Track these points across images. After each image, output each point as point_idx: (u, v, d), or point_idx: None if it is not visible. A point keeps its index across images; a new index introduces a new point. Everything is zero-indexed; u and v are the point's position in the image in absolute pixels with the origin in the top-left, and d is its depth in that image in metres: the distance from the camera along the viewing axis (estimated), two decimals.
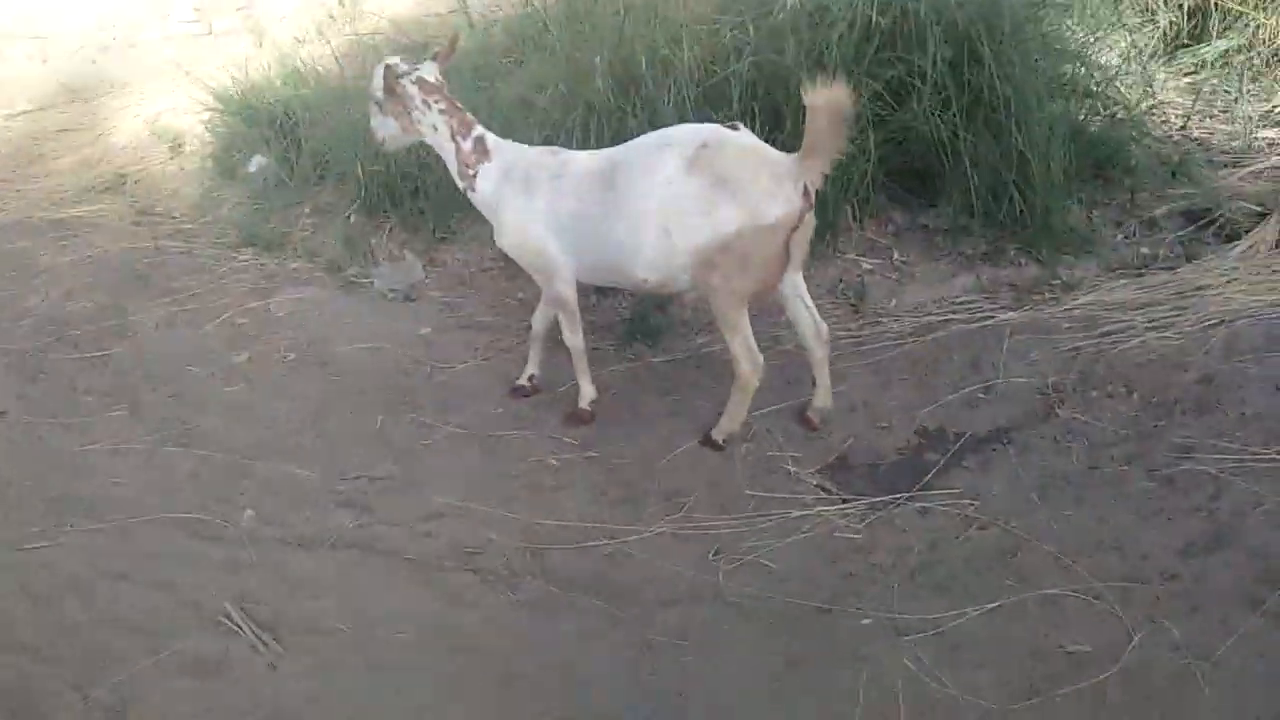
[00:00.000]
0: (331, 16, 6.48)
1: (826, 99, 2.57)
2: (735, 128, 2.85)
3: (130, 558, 2.85)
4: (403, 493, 3.07)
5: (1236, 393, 2.99)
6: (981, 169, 3.74)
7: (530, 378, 3.45)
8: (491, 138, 3.11)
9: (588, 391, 3.28)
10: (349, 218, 4.68)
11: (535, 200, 2.97)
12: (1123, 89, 4.34)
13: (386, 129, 3.20)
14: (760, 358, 2.94)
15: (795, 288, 3.01)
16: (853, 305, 3.77)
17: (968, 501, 2.79)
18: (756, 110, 3.73)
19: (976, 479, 2.87)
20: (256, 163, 5.19)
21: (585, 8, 5.12)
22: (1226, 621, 2.29)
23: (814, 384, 3.12)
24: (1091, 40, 4.44)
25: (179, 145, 5.56)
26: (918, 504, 2.81)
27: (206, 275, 4.36)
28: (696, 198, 2.69)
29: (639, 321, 3.74)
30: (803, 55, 3.74)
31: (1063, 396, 3.13)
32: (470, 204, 3.21)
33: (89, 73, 6.38)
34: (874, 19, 3.83)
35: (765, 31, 3.88)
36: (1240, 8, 4.85)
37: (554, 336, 3.35)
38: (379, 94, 3.12)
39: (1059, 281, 3.74)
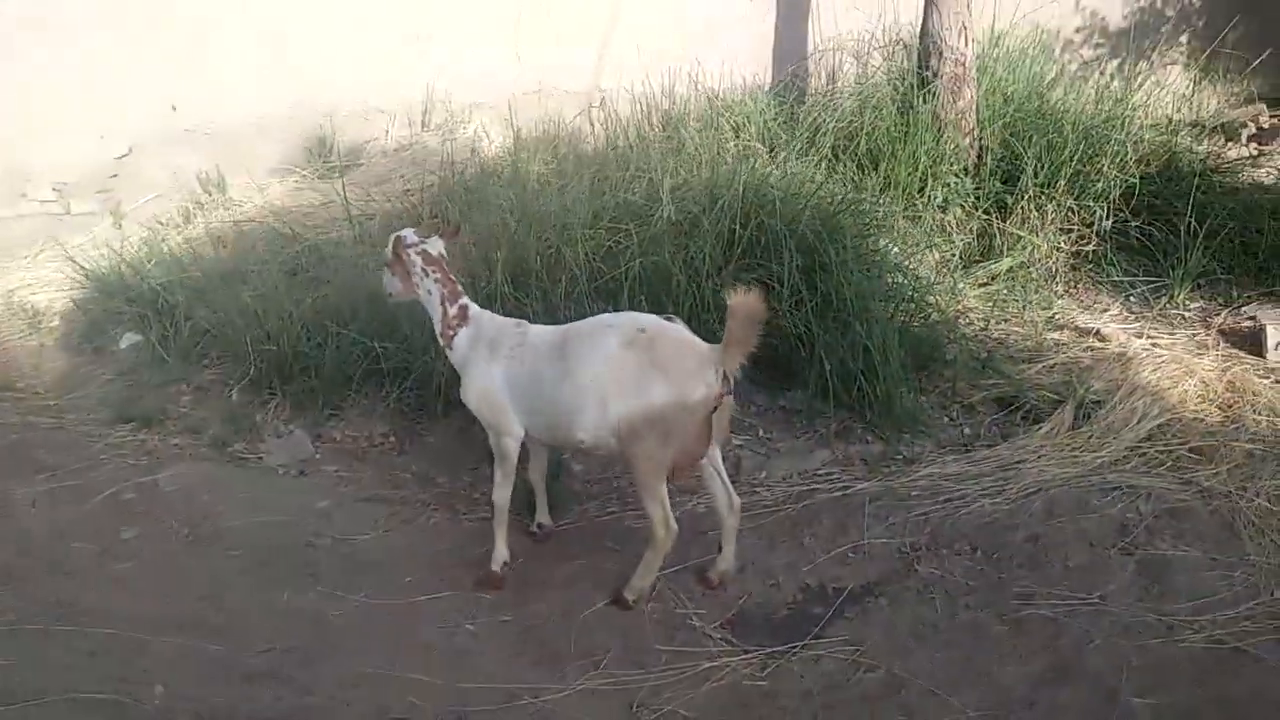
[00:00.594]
0: (199, 203, 6.65)
1: (744, 304, 3.02)
2: (671, 319, 3.31)
3: None
4: (318, 663, 3.10)
5: (1060, 549, 3.54)
6: (831, 359, 4.31)
7: (539, 525, 3.79)
8: (474, 308, 3.54)
9: (501, 554, 3.51)
10: (230, 395, 4.74)
11: (495, 364, 3.36)
12: (935, 297, 5.13)
13: (393, 286, 3.65)
14: (674, 524, 3.24)
15: (713, 461, 3.39)
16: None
17: (853, 648, 3.13)
18: (644, 300, 4.20)
19: (858, 628, 3.23)
20: (128, 339, 5.19)
21: (470, 202, 5.65)
22: None
23: (719, 548, 3.46)
24: (906, 258, 5.26)
25: (37, 321, 5.46)
26: (810, 652, 3.13)
27: (82, 451, 4.28)
28: (631, 373, 3.07)
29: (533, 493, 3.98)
30: (679, 258, 4.29)
31: (919, 555, 3.58)
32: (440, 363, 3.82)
33: None
34: (736, 230, 4.47)
35: (645, 239, 4.42)
36: (1018, 231, 5.87)
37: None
38: (388, 255, 3.58)
39: (901, 456, 4.29)
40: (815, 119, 6.39)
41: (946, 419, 4.59)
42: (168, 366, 4.90)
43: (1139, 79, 7.32)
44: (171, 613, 3.30)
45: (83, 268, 5.49)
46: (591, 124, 7.32)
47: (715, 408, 3.14)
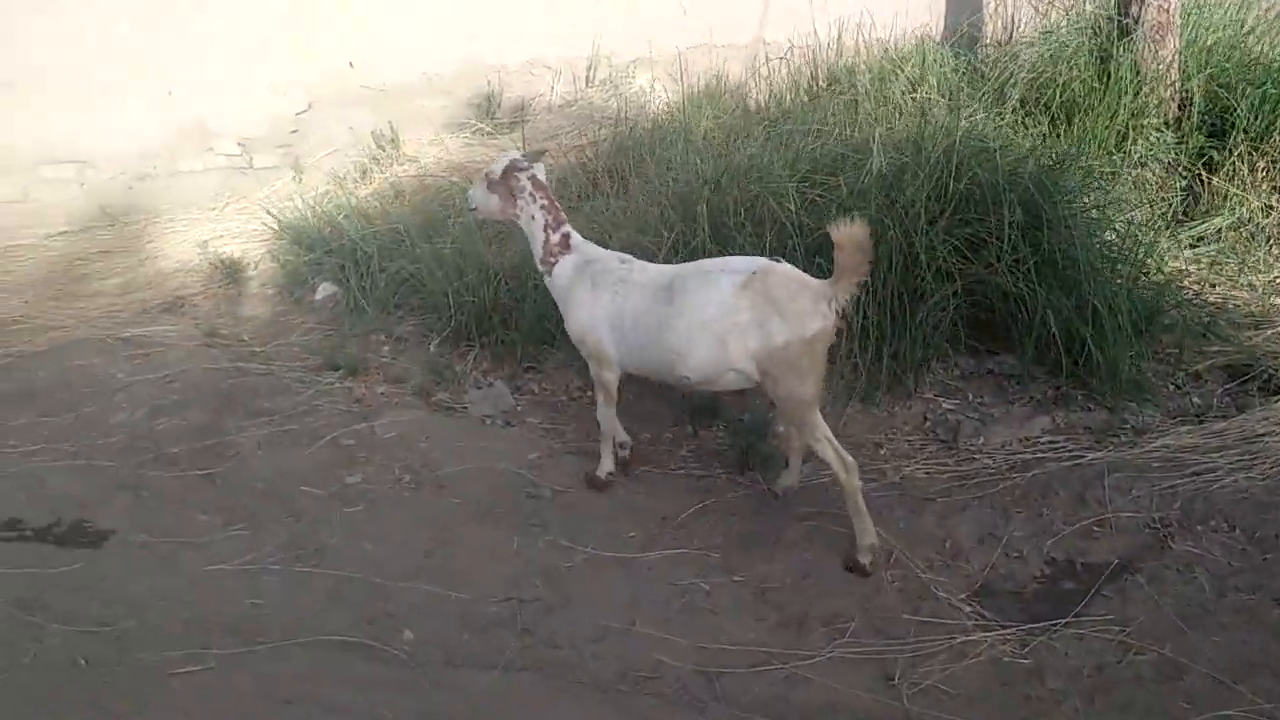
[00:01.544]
0: (375, 158, 6.74)
1: (849, 234, 2.98)
2: (779, 260, 3.27)
3: (292, 681, 2.79)
4: (559, 614, 3.10)
5: None
6: (1055, 321, 4.08)
7: (623, 444, 3.87)
8: (576, 236, 3.60)
9: (607, 464, 3.73)
10: (430, 346, 4.79)
11: (600, 296, 3.41)
12: (1152, 258, 4.82)
13: (487, 203, 3.67)
14: (850, 457, 3.19)
15: None
16: (944, 441, 4.01)
17: (1119, 628, 2.96)
18: None
19: (1119, 607, 3.05)
20: (325, 290, 5.30)
21: (642, 155, 5.57)
22: None
23: (786, 463, 3.62)
24: (1117, 217, 4.95)
25: (234, 271, 5.62)
26: (1072, 630, 2.97)
27: (296, 397, 4.38)
28: (749, 314, 3.11)
29: (748, 451, 3.89)
30: (892, 212, 4.11)
31: (1171, 531, 3.37)
32: (549, 295, 3.74)
33: (128, 198, 6.43)
34: (950, 184, 4.26)
35: (852, 191, 4.25)
36: (1231, 188, 5.48)
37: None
38: (496, 175, 3.60)
39: (1128, 426, 4.05)
40: (1002, 70, 6.07)
41: (1172, 387, 4.31)
42: (366, 317, 4.98)
43: None
44: (407, 558, 3.35)
45: (278, 220, 5.60)
46: (756, 79, 7.15)
47: (831, 341, 3.18)
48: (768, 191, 4.35)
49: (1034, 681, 2.80)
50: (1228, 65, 5.89)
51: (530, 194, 3.56)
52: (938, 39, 7.23)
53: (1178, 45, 5.87)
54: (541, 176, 3.62)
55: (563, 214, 3.62)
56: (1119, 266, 4.54)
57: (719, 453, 4.01)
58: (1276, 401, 4.07)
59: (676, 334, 3.22)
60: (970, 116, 5.51)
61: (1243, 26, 6.35)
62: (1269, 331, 4.57)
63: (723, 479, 3.83)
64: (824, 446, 3.19)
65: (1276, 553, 3.24)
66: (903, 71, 6.48)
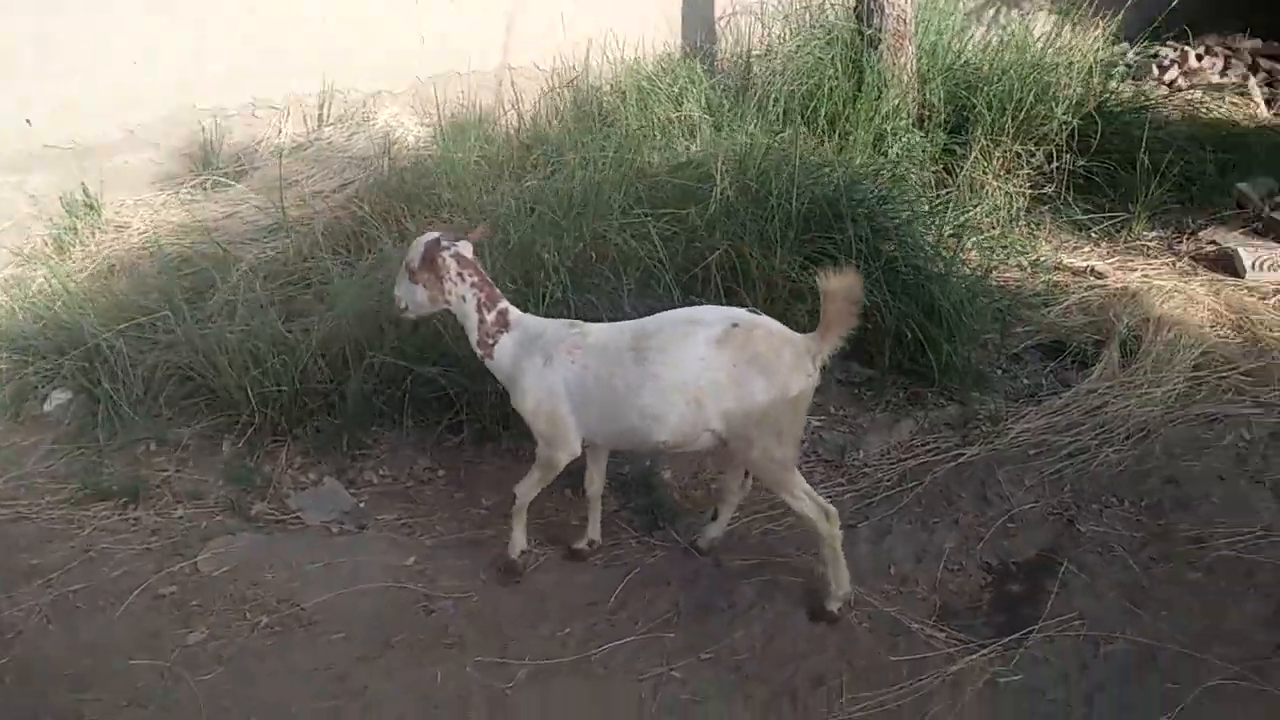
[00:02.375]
0: (72, 230, 5.62)
1: (841, 285, 2.82)
2: (756, 313, 3.02)
3: None
4: None
5: (1198, 486, 3.55)
6: (903, 326, 4.14)
7: (590, 542, 3.42)
8: (514, 311, 3.17)
9: (520, 540, 3.33)
10: (223, 449, 4.00)
11: (555, 369, 3.01)
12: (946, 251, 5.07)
13: (413, 297, 3.18)
14: (831, 507, 3.00)
15: None
16: (829, 462, 3.93)
17: (1079, 622, 2.99)
18: (720, 289, 3.86)
19: (1068, 600, 3.09)
20: (56, 399, 4.28)
21: (412, 195, 5.07)
22: None
23: (714, 515, 3.40)
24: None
25: None
26: (1040, 634, 2.95)
27: (69, 544, 3.46)
28: (730, 373, 2.83)
29: (655, 509, 3.58)
30: (751, 238, 3.97)
31: (1074, 515, 3.49)
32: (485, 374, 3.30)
33: None
34: (793, 205, 4.20)
35: (705, 222, 4.06)
36: (984, 179, 5.94)
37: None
38: (417, 263, 3.10)
39: (981, 415, 4.19)
40: (764, 84, 6.19)
41: (1000, 372, 4.53)
42: (127, 425, 4.06)
43: (1019, 25, 7.63)
44: None
45: None
46: (504, 105, 6.82)
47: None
48: (607, 227, 4.04)
49: (1036, 696, 2.74)
50: (954, 67, 6.41)
51: (458, 274, 3.09)
52: (678, 55, 7.27)
53: (914, 51, 6.29)
54: (468, 253, 3.14)
55: (496, 290, 3.16)
56: (940, 265, 4.72)
57: (615, 514, 3.65)
58: (1089, 372, 4.40)
59: (650, 397, 2.88)
60: (746, 132, 5.55)
61: (964, 33, 6.97)
62: (1057, 308, 4.96)
63: (635, 545, 3.48)
64: (803, 503, 2.95)
65: (1168, 517, 3.44)
66: (660, 89, 6.43)
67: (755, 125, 5.77)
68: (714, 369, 2.83)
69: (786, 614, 3.07)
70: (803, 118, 5.97)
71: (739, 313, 2.96)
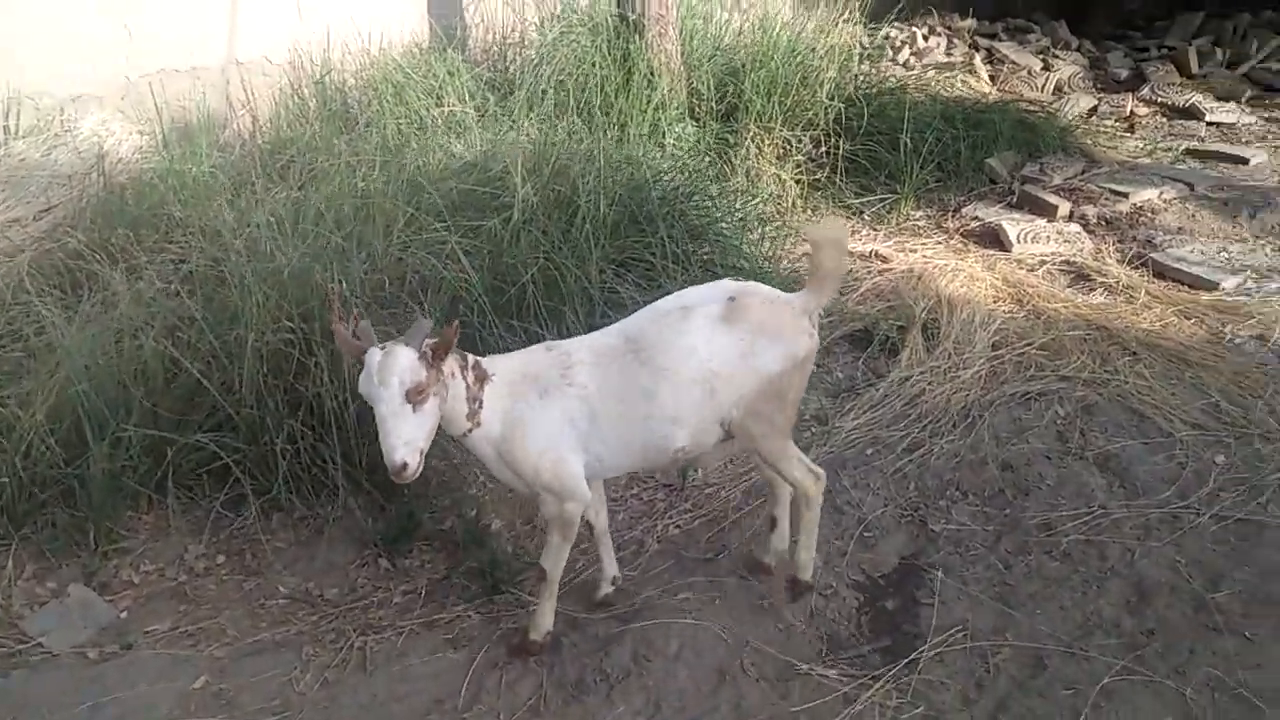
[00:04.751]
0: None
1: (828, 234, 2.72)
2: (739, 280, 2.84)
3: None
4: None
5: (1031, 469, 3.58)
6: None
7: (614, 580, 3.04)
8: (482, 360, 2.61)
9: (545, 623, 2.85)
10: None
11: (552, 403, 2.58)
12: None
13: (423, 428, 2.36)
14: (819, 469, 2.84)
15: None
16: (670, 486, 3.64)
17: (961, 634, 2.88)
18: (543, 308, 3.46)
19: (945, 611, 2.98)
20: None
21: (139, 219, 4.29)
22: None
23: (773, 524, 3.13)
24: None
25: None
26: (930, 654, 2.81)
27: None
28: (739, 349, 2.61)
29: (493, 569, 3.13)
30: (565, 248, 3.59)
31: (923, 515, 3.41)
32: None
33: None
34: (603, 210, 3.85)
35: (509, 234, 3.63)
36: (761, 166, 5.88)
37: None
38: (420, 379, 2.32)
39: (810, 418, 4.06)
40: (530, 76, 5.79)
41: (816, 367, 4.42)
42: None
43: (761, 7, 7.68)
44: None
45: None
46: (234, 106, 5.99)
47: None
48: (402, 246, 3.51)
49: (948, 718, 2.59)
50: (717, 54, 6.30)
51: (459, 366, 2.52)
52: (427, 45, 6.70)
53: (678, 36, 6.11)
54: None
55: (465, 354, 2.58)
56: (750, 263, 4.55)
57: (443, 582, 3.17)
58: (898, 360, 4.39)
59: (668, 396, 2.57)
60: (520, 128, 5.15)
61: (726, 18, 6.87)
62: (850, 295, 4.94)
63: (477, 617, 3.02)
64: (798, 469, 2.79)
65: (1011, 506, 3.44)
66: (415, 83, 5.87)
67: (528, 120, 5.37)
68: (725, 348, 2.60)
69: (668, 675, 2.74)
70: (576, 111, 5.64)
71: (726, 284, 2.76)
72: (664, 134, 5.75)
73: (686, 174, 4.52)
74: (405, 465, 2.28)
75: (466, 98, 5.72)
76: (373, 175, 4.30)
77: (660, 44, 5.94)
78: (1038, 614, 2.95)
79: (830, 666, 2.78)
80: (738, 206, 5.15)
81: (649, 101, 5.72)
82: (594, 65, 5.77)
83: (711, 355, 2.58)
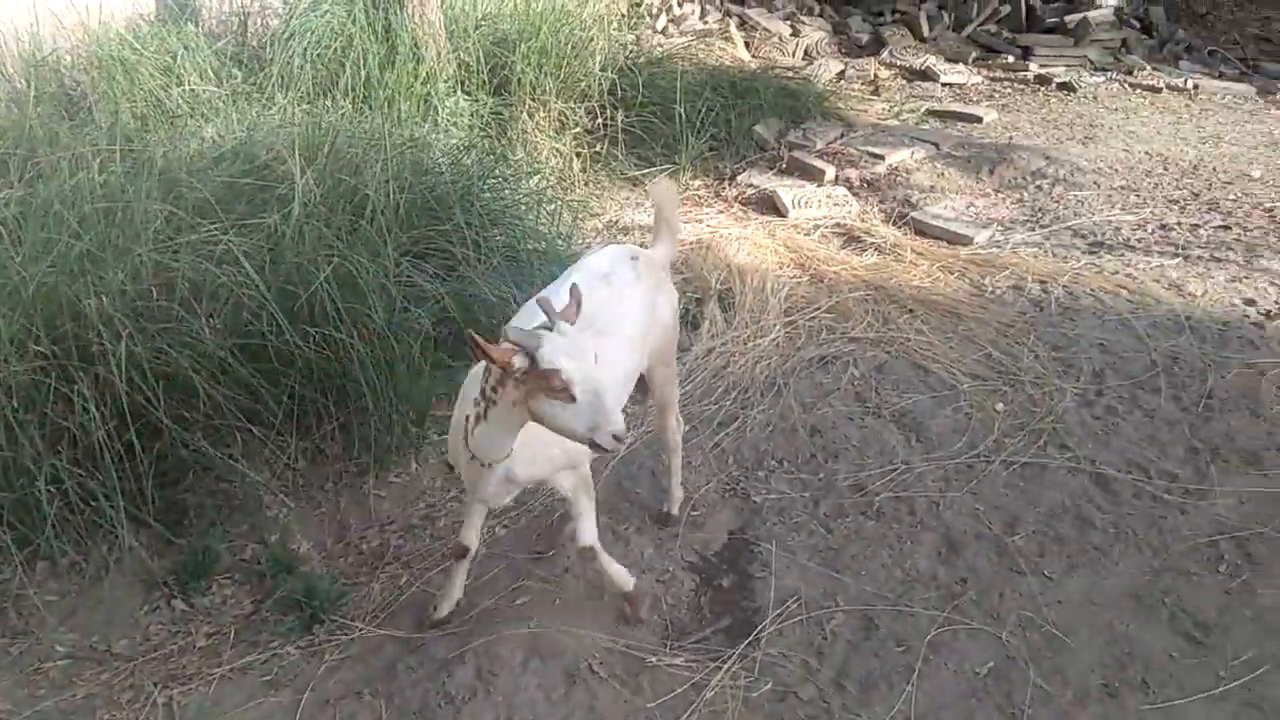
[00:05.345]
0: None
1: (667, 191, 3.10)
2: (620, 242, 3.12)
3: None
4: None
5: (836, 432, 3.73)
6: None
7: (458, 603, 2.89)
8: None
9: (624, 574, 2.84)
10: None
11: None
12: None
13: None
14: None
15: None
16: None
17: (797, 603, 2.95)
18: (338, 312, 3.18)
19: (778, 584, 3.03)
20: None
21: None
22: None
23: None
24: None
25: None
26: (772, 628, 2.86)
27: None
28: (650, 303, 2.80)
29: (311, 597, 2.87)
30: (358, 249, 3.32)
31: (746, 487, 3.47)
32: None
33: None
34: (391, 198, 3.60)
35: (287, 236, 3.29)
36: (539, 139, 5.74)
37: None
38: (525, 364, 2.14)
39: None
40: (280, 50, 5.33)
41: None
42: None
43: None
44: None
45: None
46: None
47: None
48: (168, 250, 3.11)
49: (791, 700, 2.64)
50: (484, 23, 6.08)
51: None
52: (153, 16, 6.01)
53: (439, 6, 5.82)
54: None
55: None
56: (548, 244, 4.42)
57: (251, 618, 2.89)
58: (699, 332, 4.44)
59: (626, 365, 2.71)
60: (267, 108, 4.75)
61: None
62: None
63: (297, 653, 2.77)
64: (676, 415, 3.14)
65: (823, 469, 3.56)
66: (146, 60, 5.26)
67: (286, 100, 4.95)
68: (643, 306, 2.76)
69: (517, 688, 2.62)
70: (339, 88, 5.26)
71: (617, 248, 2.92)
72: (435, 110, 5.49)
73: (477, 154, 4.30)
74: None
75: (210, 75, 5.19)
76: (112, 168, 3.79)
77: (422, 13, 5.64)
78: (862, 575, 3.06)
79: (677, 655, 2.76)
80: (525, 185, 5.00)
81: (416, 76, 5.43)
82: (352, 38, 5.40)
83: (638, 314, 2.73)
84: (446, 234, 3.62)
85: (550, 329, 2.17)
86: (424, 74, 5.53)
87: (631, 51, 6.51)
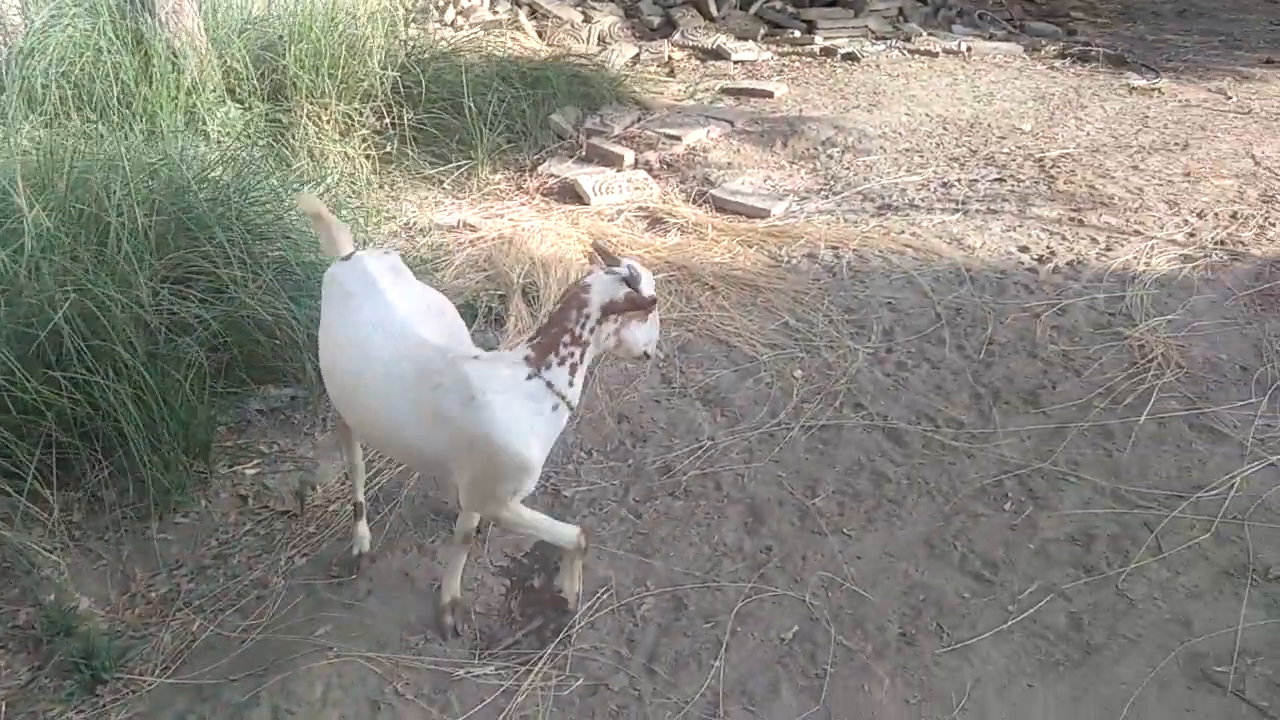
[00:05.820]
0: None
1: (308, 202, 2.95)
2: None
3: None
4: None
5: (647, 414, 3.73)
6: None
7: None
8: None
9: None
10: None
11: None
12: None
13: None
14: None
15: None
16: (289, 513, 3.32)
17: (607, 592, 2.92)
18: (82, 343, 2.92)
19: (589, 576, 2.99)
20: None
21: None
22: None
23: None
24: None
25: None
26: (583, 622, 2.83)
27: None
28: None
29: (90, 658, 2.65)
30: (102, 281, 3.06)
31: (556, 483, 3.41)
32: None
33: None
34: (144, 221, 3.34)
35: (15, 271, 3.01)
36: (327, 145, 5.50)
37: None
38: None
39: None
40: (20, 68, 4.89)
41: None
42: None
43: None
44: None
45: None
46: None
47: None
48: None
49: (603, 692, 2.61)
50: (248, 27, 5.77)
51: None
52: None
53: (195, 12, 5.48)
54: None
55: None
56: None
57: (28, 687, 2.64)
58: (505, 330, 4.36)
59: None
60: (22, 133, 4.36)
61: None
62: (443, 271, 4.81)
63: (78, 718, 2.54)
64: None
65: (633, 456, 3.54)
66: None
67: (28, 124, 4.55)
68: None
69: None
70: (90, 106, 4.88)
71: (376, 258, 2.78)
72: (204, 121, 5.18)
73: (235, 167, 4.06)
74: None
75: None
76: None
77: (178, 20, 5.29)
78: (672, 556, 3.07)
79: (487, 664, 2.69)
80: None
81: (178, 87, 5.09)
82: (100, 51, 5.01)
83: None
84: (209, 255, 3.39)
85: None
86: (187, 84, 5.20)
87: (415, 47, 6.31)
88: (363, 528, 3.06)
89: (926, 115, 6.91)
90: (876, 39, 8.54)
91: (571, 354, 2.45)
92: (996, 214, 5.32)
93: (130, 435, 3.00)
